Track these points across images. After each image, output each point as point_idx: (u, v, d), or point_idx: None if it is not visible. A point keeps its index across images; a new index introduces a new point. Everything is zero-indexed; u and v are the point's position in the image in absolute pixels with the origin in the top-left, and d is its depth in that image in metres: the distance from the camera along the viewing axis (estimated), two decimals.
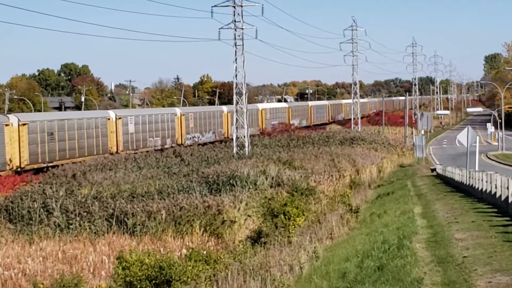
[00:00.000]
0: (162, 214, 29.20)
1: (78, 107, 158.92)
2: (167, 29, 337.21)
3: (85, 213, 29.92)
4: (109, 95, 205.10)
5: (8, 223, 30.55)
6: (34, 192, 34.21)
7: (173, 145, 74.46)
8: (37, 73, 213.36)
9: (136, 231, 28.44)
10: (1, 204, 32.99)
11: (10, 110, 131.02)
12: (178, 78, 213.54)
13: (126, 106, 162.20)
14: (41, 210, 30.82)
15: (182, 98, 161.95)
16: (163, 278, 17.97)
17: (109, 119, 67.24)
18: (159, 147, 71.25)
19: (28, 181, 45.40)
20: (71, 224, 29.38)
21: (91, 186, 40.22)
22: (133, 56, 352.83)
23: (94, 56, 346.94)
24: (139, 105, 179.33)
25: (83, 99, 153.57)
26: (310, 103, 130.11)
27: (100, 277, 21.79)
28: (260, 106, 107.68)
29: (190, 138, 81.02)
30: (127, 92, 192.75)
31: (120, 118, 68.72)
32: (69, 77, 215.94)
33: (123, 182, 41.37)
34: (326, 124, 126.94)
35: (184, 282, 17.94)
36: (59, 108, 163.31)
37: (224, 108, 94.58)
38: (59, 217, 29.91)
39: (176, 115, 79.42)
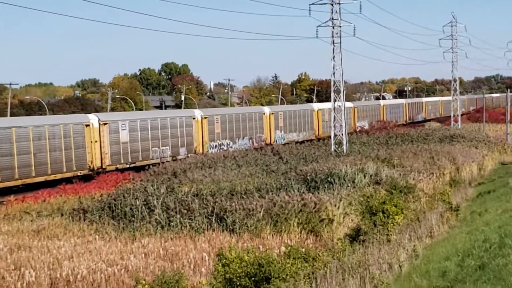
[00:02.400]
0: (260, 212, 29.38)
1: (178, 106, 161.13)
2: (266, 28, 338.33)
3: (185, 211, 30.30)
4: (208, 93, 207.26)
5: (111, 220, 31.22)
6: (136, 189, 34.86)
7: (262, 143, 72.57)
8: (138, 73, 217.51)
9: (235, 228, 28.69)
10: (104, 202, 33.73)
11: (113, 109, 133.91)
12: (276, 76, 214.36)
13: (225, 104, 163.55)
14: (143, 207, 31.38)
15: (280, 96, 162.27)
16: (262, 275, 18.10)
17: (264, 113, 66.54)
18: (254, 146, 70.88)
19: (130, 179, 46.30)
20: (172, 221, 29.81)
21: (191, 183, 40.79)
22: (232, 55, 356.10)
23: (194, 55, 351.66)
24: (237, 104, 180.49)
25: (183, 98, 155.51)
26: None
27: (200, 273, 22.07)
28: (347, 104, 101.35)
29: (280, 137, 78.69)
30: (225, 90, 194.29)
31: (206, 118, 66.61)
32: (170, 76, 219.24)
33: (223, 180, 41.81)
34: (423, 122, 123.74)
35: (283, 280, 18.03)
36: (159, 107, 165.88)
37: (314, 106, 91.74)
38: (160, 214, 30.40)
39: (264, 113, 77.42)
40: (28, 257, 24.64)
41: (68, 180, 50.38)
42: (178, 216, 29.93)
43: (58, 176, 50.71)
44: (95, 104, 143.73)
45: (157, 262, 23.79)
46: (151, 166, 52.69)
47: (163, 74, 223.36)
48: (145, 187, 35.32)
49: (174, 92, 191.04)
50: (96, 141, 54.33)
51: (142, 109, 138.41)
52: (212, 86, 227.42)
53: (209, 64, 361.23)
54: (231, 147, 69.78)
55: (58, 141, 51.17)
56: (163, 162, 56.85)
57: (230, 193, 35.34)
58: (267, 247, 24.39)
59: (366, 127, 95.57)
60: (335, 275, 19.34)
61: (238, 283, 18.19)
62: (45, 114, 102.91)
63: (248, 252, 18.94)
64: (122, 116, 62.58)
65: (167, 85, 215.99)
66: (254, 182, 40.13)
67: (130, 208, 31.52)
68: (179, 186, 37.85)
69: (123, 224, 30.34)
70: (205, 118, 67.40)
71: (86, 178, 51.89)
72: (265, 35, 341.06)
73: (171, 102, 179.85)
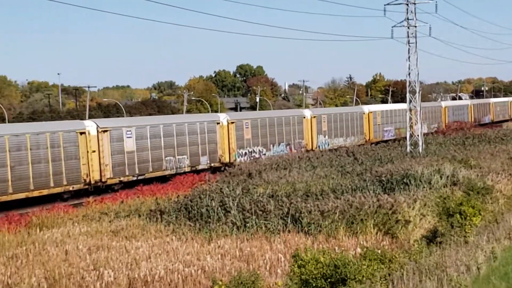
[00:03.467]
0: (336, 213, 29.32)
1: (253, 107, 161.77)
2: (340, 29, 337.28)
3: (261, 212, 30.41)
4: (282, 95, 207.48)
5: (187, 221, 31.51)
6: (212, 190, 35.11)
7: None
8: (213, 75, 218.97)
9: (311, 229, 28.68)
10: (180, 203, 34.07)
11: (189, 111, 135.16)
12: (350, 77, 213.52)
13: (300, 106, 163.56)
14: (219, 208, 31.58)
15: (354, 97, 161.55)
16: (338, 276, 18.07)
17: (304, 117, 65.24)
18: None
19: (205, 180, 46.67)
20: (247, 222, 29.95)
21: (267, 184, 40.91)
22: (306, 56, 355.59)
23: (269, 57, 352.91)
24: (312, 105, 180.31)
25: (257, 100, 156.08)
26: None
27: (276, 274, 22.13)
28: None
29: (324, 143, 73.51)
30: (300, 92, 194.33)
31: (233, 122, 61.23)
32: (244, 78, 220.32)
33: (298, 181, 41.84)
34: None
35: (359, 281, 17.98)
36: (235, 109, 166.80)
37: (365, 108, 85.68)
38: (236, 215, 30.56)
39: (304, 117, 71.37)
40: (107, 258, 25.04)
41: (57, 196, 45.57)
42: (254, 217, 30.06)
43: (44, 192, 44.80)
44: (171, 106, 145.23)
45: (233, 263, 23.92)
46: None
47: (238, 76, 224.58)
48: (221, 188, 35.52)
49: (249, 94, 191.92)
50: (94, 151, 48.47)
51: (217, 111, 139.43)
52: (286, 88, 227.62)
53: (284, 65, 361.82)
54: (264, 154, 64.30)
55: (43, 152, 45.00)
56: (180, 174, 53.68)
57: (305, 194, 35.37)
58: (343, 248, 24.32)
59: (425, 130, 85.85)
60: (412, 276, 19.22)
61: (314, 285, 18.19)
62: (123, 116, 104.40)
63: (323, 253, 18.92)
64: (127, 122, 56.10)
65: (242, 87, 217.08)
66: (329, 183, 40.08)
67: (206, 209, 31.75)
68: (254, 187, 37.98)
69: (199, 225, 30.58)
70: (232, 123, 61.81)
71: (81, 194, 47.19)
72: (339, 36, 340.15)
73: (246, 103, 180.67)
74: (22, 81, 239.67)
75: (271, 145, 65.93)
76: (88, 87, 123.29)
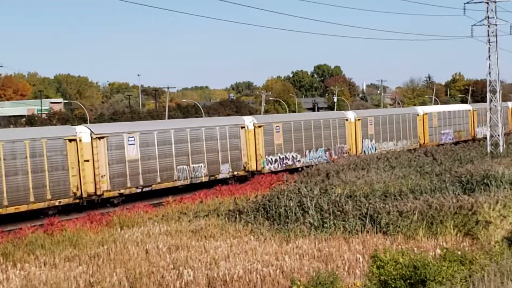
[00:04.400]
0: (415, 214, 29.10)
1: (331, 108, 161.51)
2: (419, 28, 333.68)
3: (339, 212, 30.37)
4: (360, 95, 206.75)
5: (265, 220, 31.65)
6: (290, 191, 35.16)
7: None
8: (291, 75, 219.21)
9: (389, 230, 28.52)
10: (259, 203, 34.21)
11: (267, 111, 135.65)
12: (429, 77, 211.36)
13: (378, 105, 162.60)
14: (297, 208, 31.63)
15: (433, 96, 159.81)
16: (417, 277, 17.97)
17: (347, 119, 63.24)
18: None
19: (284, 181, 46.77)
20: (325, 222, 29.93)
21: (344, 185, 40.80)
22: (384, 55, 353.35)
23: (346, 57, 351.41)
24: (390, 105, 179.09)
25: (335, 100, 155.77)
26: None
27: (354, 275, 22.08)
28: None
29: (370, 147, 68.02)
30: (378, 92, 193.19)
31: (260, 126, 55.73)
32: (322, 78, 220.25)
33: (376, 181, 41.63)
34: None
35: (439, 283, 17.84)
36: (312, 109, 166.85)
37: (419, 109, 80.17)
38: (313, 215, 30.57)
39: (347, 119, 65.77)
40: (186, 257, 25.30)
41: (40, 213, 40.65)
42: (332, 217, 30.03)
43: (22, 208, 39.56)
44: (249, 106, 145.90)
45: (311, 263, 23.94)
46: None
47: (315, 76, 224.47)
48: (299, 189, 35.53)
49: (326, 94, 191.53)
50: (87, 160, 42.97)
51: (295, 111, 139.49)
52: (364, 88, 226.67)
53: (362, 65, 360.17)
54: (299, 160, 59.26)
55: (21, 162, 39.56)
56: (194, 184, 49.45)
57: (383, 194, 35.19)
58: (422, 249, 24.13)
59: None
60: (493, 278, 18.95)
61: (393, 286, 18.13)
62: (201, 117, 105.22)
63: (403, 254, 18.84)
64: (128, 127, 49.40)
65: (320, 87, 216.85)
66: (407, 183, 39.80)
67: (284, 209, 31.81)
68: (332, 188, 37.92)
69: (277, 225, 30.67)
70: (260, 126, 56.03)
71: (71, 210, 42.26)
72: (418, 35, 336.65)
73: (323, 104, 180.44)
74: (103, 82, 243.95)
75: (307, 151, 60.41)
76: (168, 88, 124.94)
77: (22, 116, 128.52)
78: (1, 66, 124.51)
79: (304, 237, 28.52)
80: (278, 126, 57.73)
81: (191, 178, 49.68)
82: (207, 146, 51.12)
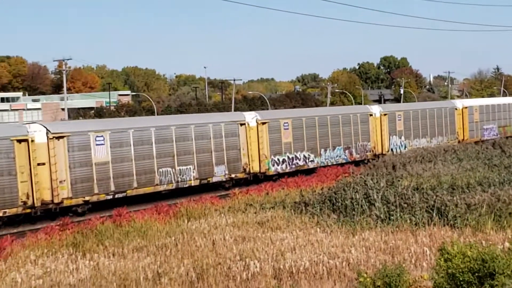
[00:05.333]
0: (483, 207, 28.80)
1: (397, 100, 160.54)
2: (488, 19, 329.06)
3: (405, 205, 30.22)
4: (427, 87, 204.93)
5: (331, 213, 31.64)
6: (356, 183, 35.09)
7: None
8: (357, 67, 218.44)
9: (457, 223, 28.27)
10: (325, 195, 34.21)
11: (332, 103, 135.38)
12: (498, 68, 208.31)
13: (445, 97, 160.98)
14: (363, 200, 31.55)
15: (502, 88, 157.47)
16: (486, 271, 17.79)
17: (371, 114, 59.29)
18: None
19: (350, 173, 46.67)
20: (392, 215, 29.80)
21: (411, 177, 40.55)
22: (452, 47, 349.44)
23: (413, 48, 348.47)
24: (458, 96, 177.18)
25: (402, 92, 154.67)
26: None
27: (421, 268, 21.96)
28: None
29: (399, 145, 63.25)
30: (445, 83, 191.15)
31: (264, 123, 50.31)
32: (388, 69, 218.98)
33: (443, 174, 41.29)
34: None
35: (508, 276, 17.65)
36: (378, 101, 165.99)
37: (458, 103, 74.02)
38: (380, 208, 30.46)
39: (371, 114, 60.72)
40: (253, 248, 25.39)
41: None
42: (398, 210, 29.88)
43: None
44: (315, 98, 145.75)
45: (377, 256, 23.86)
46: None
47: (382, 67, 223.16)
48: (365, 181, 35.43)
49: (393, 86, 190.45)
50: (42, 164, 37.40)
51: (361, 103, 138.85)
52: (431, 79, 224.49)
53: (429, 56, 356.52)
54: (312, 161, 54.22)
55: None
56: (182, 189, 44.91)
57: (450, 187, 34.89)
58: (490, 242, 23.88)
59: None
60: None
61: (461, 279, 17.98)
62: (267, 109, 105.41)
63: (471, 247, 18.66)
64: (96, 125, 43.75)
65: (386, 78, 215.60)
66: (475, 176, 39.39)
67: (351, 201, 31.76)
68: (398, 180, 37.71)
69: (344, 217, 30.64)
70: (263, 123, 50.60)
71: (21, 221, 37.23)
72: (486, 26, 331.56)
73: (389, 95, 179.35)
74: (170, 74, 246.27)
75: (323, 150, 55.18)
76: (234, 80, 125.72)
77: (91, 108, 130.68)
78: (71, 59, 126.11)
79: (371, 229, 28.42)
80: (287, 123, 52.42)
81: (177, 182, 44.45)
82: (197, 145, 45.84)
